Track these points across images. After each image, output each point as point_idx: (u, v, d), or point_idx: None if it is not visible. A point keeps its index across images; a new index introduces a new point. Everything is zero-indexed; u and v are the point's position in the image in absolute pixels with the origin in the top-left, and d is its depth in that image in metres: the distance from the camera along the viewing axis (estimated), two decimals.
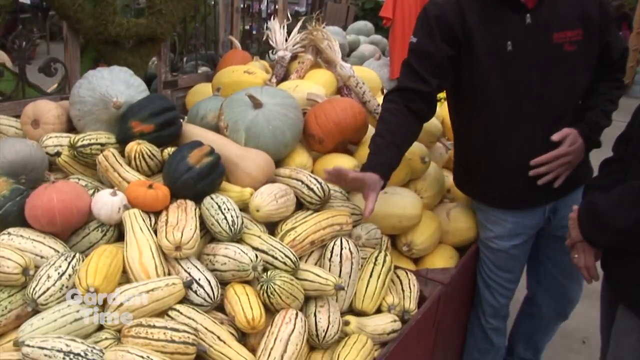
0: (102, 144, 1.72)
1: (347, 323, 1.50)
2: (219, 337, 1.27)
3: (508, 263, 2.12)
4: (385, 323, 1.56)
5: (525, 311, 2.42)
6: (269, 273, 1.39)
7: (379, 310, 1.63)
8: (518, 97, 1.82)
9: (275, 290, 1.35)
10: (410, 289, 1.76)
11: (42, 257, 1.41)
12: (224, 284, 1.47)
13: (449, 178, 2.50)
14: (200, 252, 1.52)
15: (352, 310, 1.62)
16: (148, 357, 1.10)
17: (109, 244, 1.51)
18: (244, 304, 1.34)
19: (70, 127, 1.93)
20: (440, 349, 2.05)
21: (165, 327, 1.20)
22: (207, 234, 1.58)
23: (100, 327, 1.30)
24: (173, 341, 1.19)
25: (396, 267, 1.88)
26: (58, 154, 1.74)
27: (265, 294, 1.36)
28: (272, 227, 1.71)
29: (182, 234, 1.39)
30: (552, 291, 2.24)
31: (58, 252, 1.42)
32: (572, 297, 2.25)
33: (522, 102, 1.82)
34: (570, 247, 1.59)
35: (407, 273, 1.83)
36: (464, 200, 2.33)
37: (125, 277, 1.41)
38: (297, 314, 1.35)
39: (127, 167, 1.68)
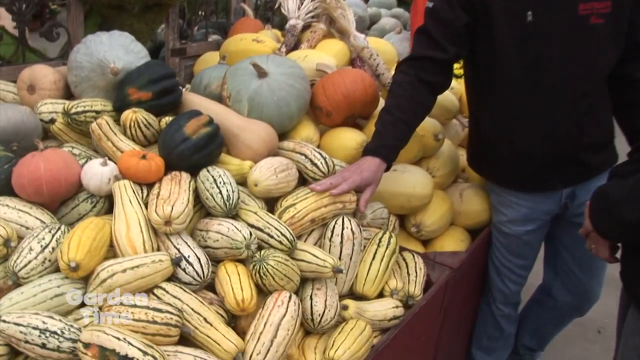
0: (97, 112, 1.65)
1: (345, 307, 1.42)
2: (205, 319, 1.20)
3: (520, 249, 2.02)
4: (387, 309, 1.47)
5: (537, 300, 2.31)
6: (262, 252, 1.30)
7: (381, 295, 1.55)
8: (536, 73, 1.69)
9: (268, 271, 1.27)
10: (416, 272, 1.67)
11: (27, 227, 1.34)
12: (217, 261, 1.40)
13: (464, 157, 2.39)
14: (194, 227, 1.44)
15: (352, 294, 1.54)
16: (124, 339, 1.03)
17: (99, 216, 1.44)
18: (234, 284, 1.26)
19: (69, 94, 1.85)
20: (448, 336, 1.96)
21: (147, 307, 1.13)
22: (203, 209, 1.50)
23: (84, 304, 1.24)
24: (155, 322, 1.12)
25: (403, 249, 1.79)
26: (52, 121, 1.67)
27: (257, 275, 1.28)
28: (272, 202, 1.62)
29: (172, 208, 1.31)
30: (570, 285, 2.12)
31: (44, 223, 1.36)
32: (592, 294, 2.13)
33: (541, 78, 1.69)
34: (584, 236, 1.47)
35: (414, 256, 1.74)
36: (478, 181, 2.22)
37: (113, 252, 1.34)
38: (290, 297, 1.27)
39: (121, 136, 1.61)
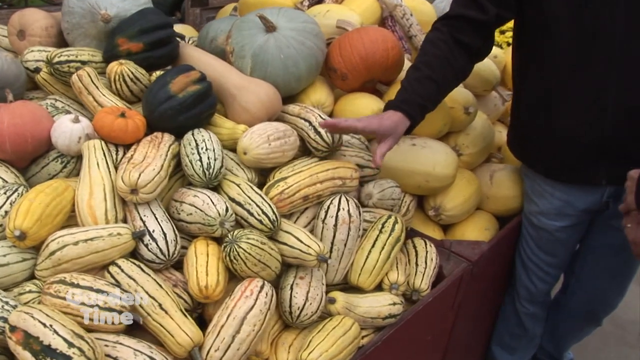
0: (83, 62, 1.50)
1: (332, 301, 1.24)
2: (160, 305, 1.05)
3: (551, 245, 1.77)
4: (382, 305, 1.28)
5: (554, 302, 2.06)
6: (235, 233, 1.13)
7: (380, 288, 1.36)
8: (591, 42, 1.41)
9: (239, 255, 1.10)
10: (425, 263, 1.47)
11: None
12: (192, 237, 1.24)
13: (501, 134, 2.14)
14: (172, 197, 1.28)
15: (346, 284, 1.36)
16: (51, 325, 0.89)
17: (71, 178, 1.31)
18: (200, 267, 1.10)
19: (64, 42, 1.71)
20: (462, 333, 1.76)
21: (91, 289, 0.99)
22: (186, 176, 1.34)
23: (33, 276, 1.11)
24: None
25: (416, 234, 1.59)
26: (37, 70, 1.53)
27: (227, 258, 1.11)
28: (269, 174, 1.44)
29: (139, 175, 1.15)
30: (588, 291, 1.87)
31: (7, 183, 1.23)
32: (609, 304, 1.88)
33: (596, 48, 1.41)
34: (624, 213, 1.22)
35: (426, 243, 1.53)
36: (514, 163, 1.97)
37: (76, 221, 1.20)
38: (262, 287, 1.09)
39: (105, 90, 1.45)
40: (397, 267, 1.37)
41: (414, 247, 1.51)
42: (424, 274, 1.44)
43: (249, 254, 1.10)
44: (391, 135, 1.35)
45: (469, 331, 1.87)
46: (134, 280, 1.06)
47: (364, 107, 1.68)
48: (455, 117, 1.80)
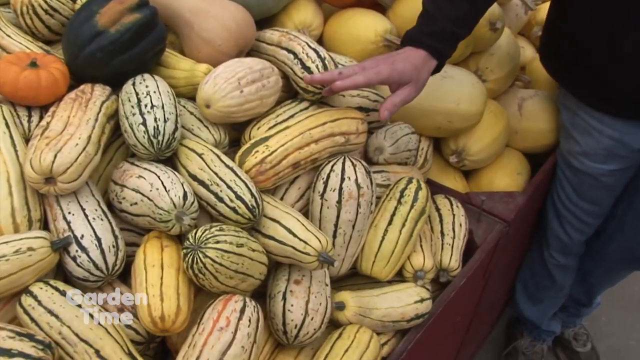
0: None
1: (340, 307, 0.92)
2: (97, 353, 0.72)
3: (594, 192, 1.45)
4: (406, 304, 0.96)
5: (589, 244, 1.77)
6: (199, 234, 0.78)
7: (399, 273, 1.04)
8: None
9: (205, 268, 0.76)
10: (453, 232, 1.14)
11: None
12: (144, 229, 0.90)
13: (524, 51, 1.75)
14: (110, 177, 0.93)
15: (354, 272, 1.04)
16: None
17: None
18: (152, 288, 0.76)
19: None
20: (488, 297, 1.48)
21: None
22: None
23: None
24: None
25: (436, 189, 1.26)
26: None
27: (190, 271, 0.78)
28: (242, 129, 1.08)
29: (55, 156, 0.79)
30: (627, 232, 1.57)
31: None
32: None
33: None
34: None
35: (451, 203, 1.20)
36: (546, 86, 1.61)
37: None
38: (242, 310, 0.76)
39: (12, 28, 1.06)
40: (421, 245, 1.05)
41: (437, 209, 1.18)
42: (452, 247, 1.12)
43: (220, 264, 0.76)
44: (410, 82, 0.99)
45: (495, 291, 1.60)
46: (56, 317, 0.73)
47: (364, 27, 1.29)
48: (478, 35, 1.40)
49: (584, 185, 1.45)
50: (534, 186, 1.40)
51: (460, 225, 1.17)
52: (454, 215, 1.18)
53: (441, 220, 1.16)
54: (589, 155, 1.39)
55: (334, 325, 0.94)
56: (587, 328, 2.02)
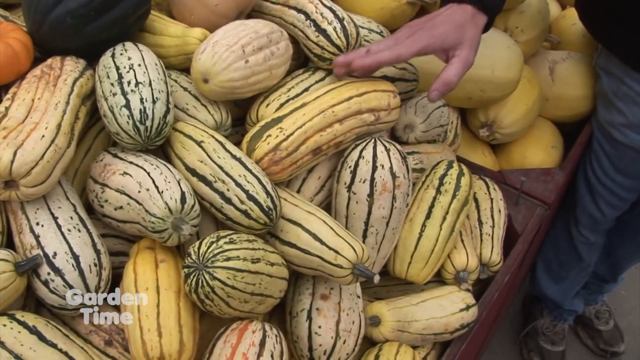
0: None
1: (375, 322, 0.77)
2: None
3: (635, 166, 1.30)
4: (450, 314, 0.81)
5: (619, 216, 1.63)
6: (204, 248, 0.62)
7: (437, 274, 0.89)
8: None
9: (214, 293, 0.60)
10: (492, 220, 0.99)
11: None
12: (135, 237, 0.73)
13: (551, 7, 1.57)
14: (88, 173, 0.75)
15: (383, 271, 0.88)
16: None
17: None
18: (146, 318, 0.60)
19: None
20: (516, 280, 1.34)
21: None
22: None
23: None
24: None
25: (469, 168, 1.09)
26: None
27: (194, 295, 0.62)
28: (247, 106, 0.90)
29: (14, 154, 0.61)
30: None
31: None
32: None
33: None
34: None
35: (488, 185, 1.04)
36: (578, 48, 1.44)
37: None
38: (263, 340, 0.60)
39: None
40: (462, 240, 0.89)
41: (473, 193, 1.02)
42: (492, 238, 0.96)
43: (232, 287, 0.60)
44: (457, 45, 0.81)
45: (523, 272, 1.46)
46: None
47: None
48: None
49: (624, 159, 1.30)
50: (572, 162, 1.24)
51: (499, 211, 1.01)
52: (491, 199, 1.02)
53: (478, 207, 1.00)
54: (634, 127, 1.23)
55: (366, 340, 0.79)
56: (608, 305, 1.91)
